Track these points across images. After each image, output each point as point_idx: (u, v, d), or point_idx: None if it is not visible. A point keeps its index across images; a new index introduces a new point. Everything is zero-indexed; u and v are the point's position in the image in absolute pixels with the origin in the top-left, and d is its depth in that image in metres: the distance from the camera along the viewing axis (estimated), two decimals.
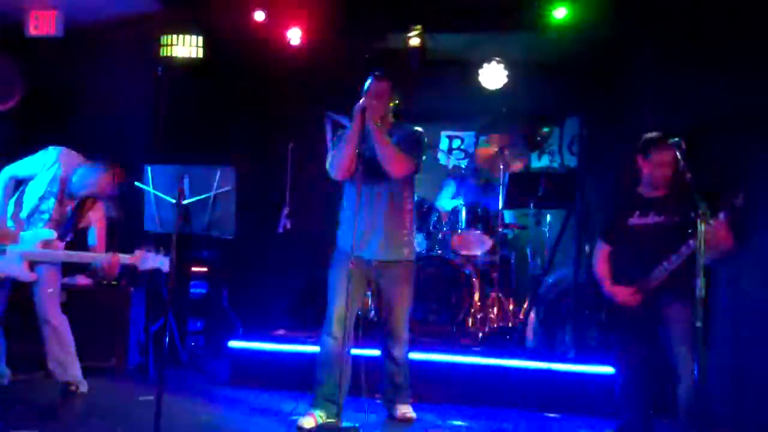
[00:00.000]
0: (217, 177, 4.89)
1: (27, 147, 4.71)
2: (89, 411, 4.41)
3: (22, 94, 6.15)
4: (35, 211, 4.56)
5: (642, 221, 3.96)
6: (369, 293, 4.84)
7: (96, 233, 4.67)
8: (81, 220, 4.69)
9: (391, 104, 4.22)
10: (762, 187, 4.11)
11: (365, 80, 4.20)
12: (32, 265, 4.50)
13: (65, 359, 4.58)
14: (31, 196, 4.56)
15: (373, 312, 5.65)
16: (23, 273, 4.47)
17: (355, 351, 4.27)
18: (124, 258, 4.50)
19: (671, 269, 3.77)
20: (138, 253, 4.49)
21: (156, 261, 4.49)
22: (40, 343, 4.55)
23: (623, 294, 3.91)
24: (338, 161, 4.09)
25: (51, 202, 4.56)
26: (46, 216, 4.56)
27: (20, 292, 4.57)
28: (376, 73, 4.20)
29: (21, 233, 4.49)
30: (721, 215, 3.54)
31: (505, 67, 6.65)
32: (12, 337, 4.71)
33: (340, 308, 4.03)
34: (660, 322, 3.86)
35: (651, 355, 3.94)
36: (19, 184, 4.59)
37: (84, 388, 4.64)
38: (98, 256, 4.58)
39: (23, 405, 4.43)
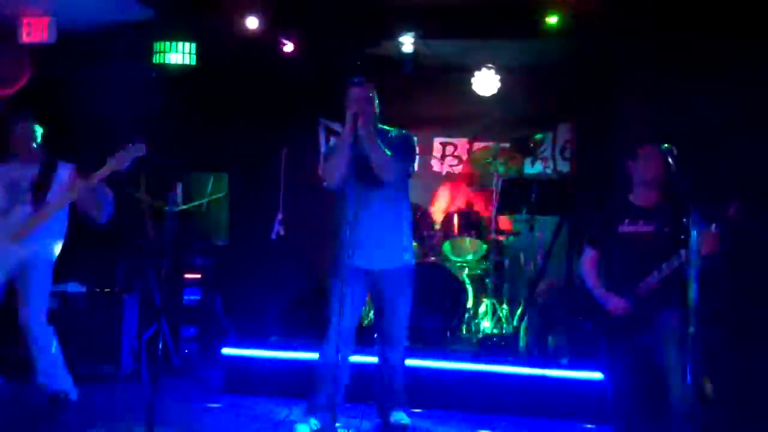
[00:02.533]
0: (211, 183, 4.89)
1: None
2: (81, 419, 4.38)
3: (26, 78, 6.10)
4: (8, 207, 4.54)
5: (632, 229, 3.96)
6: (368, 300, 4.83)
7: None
8: (45, 183, 4.56)
9: (377, 106, 4.20)
10: (756, 197, 4.11)
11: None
12: (24, 272, 4.49)
13: (53, 371, 4.49)
14: None
15: (369, 318, 5.66)
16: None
17: (352, 358, 4.28)
18: (102, 172, 4.33)
19: (662, 277, 3.78)
20: (110, 160, 4.34)
21: (133, 152, 4.34)
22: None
23: (613, 302, 3.91)
24: (332, 168, 4.08)
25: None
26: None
27: (10, 301, 4.55)
28: (355, 80, 4.18)
29: None
30: (713, 227, 3.53)
31: (497, 73, 6.68)
32: (4, 342, 4.68)
33: (339, 317, 4.01)
34: (650, 329, 3.87)
35: (641, 362, 3.94)
36: None
37: (74, 396, 4.57)
38: (68, 192, 4.44)
39: (15, 413, 4.41)
